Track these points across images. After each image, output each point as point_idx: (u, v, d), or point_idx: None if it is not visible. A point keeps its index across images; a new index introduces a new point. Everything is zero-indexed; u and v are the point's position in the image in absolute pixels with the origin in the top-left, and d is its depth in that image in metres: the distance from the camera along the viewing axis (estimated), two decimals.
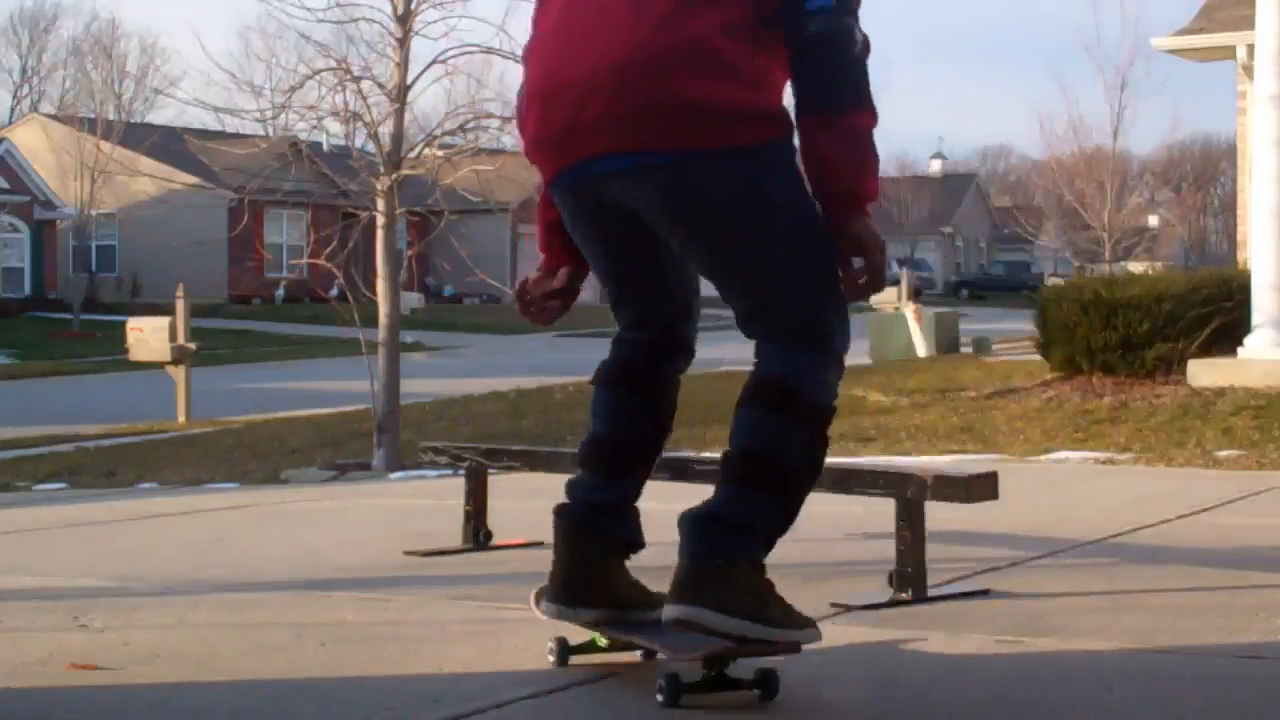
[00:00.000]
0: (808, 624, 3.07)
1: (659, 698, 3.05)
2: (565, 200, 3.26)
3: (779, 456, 3.03)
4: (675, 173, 3.02)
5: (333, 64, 11.43)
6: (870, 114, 3.08)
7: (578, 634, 3.42)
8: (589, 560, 3.32)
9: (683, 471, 5.09)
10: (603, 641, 3.42)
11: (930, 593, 4.22)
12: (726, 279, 3.12)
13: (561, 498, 3.40)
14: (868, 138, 3.08)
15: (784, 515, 3.07)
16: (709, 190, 3.02)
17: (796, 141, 3.10)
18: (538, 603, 3.40)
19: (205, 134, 24.85)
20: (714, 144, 2.99)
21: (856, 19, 3.07)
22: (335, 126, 12.23)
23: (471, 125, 11.57)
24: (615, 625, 3.34)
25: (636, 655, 3.40)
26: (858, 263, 3.10)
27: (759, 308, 3.10)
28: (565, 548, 3.34)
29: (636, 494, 3.40)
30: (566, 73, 3.09)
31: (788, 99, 3.15)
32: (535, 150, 3.22)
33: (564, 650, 3.43)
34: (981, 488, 4.25)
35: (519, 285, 3.50)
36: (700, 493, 3.17)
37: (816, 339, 3.08)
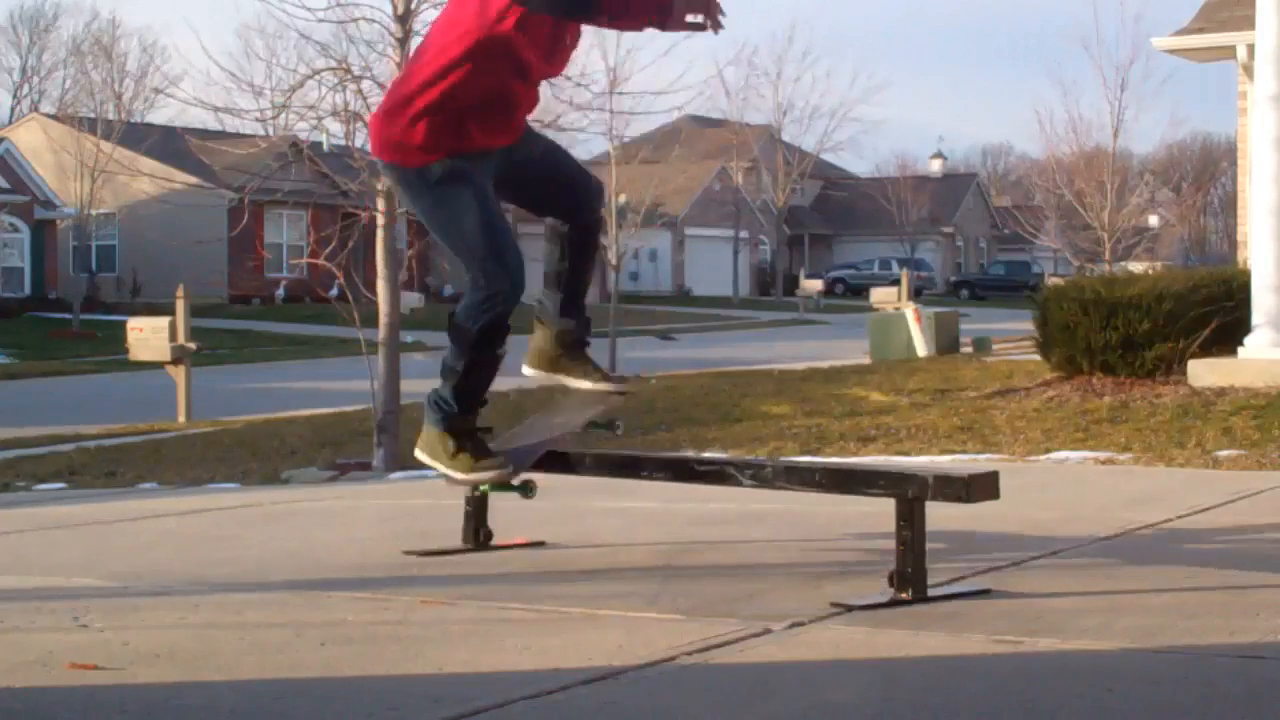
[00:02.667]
0: (473, 468, 4.89)
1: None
2: None
3: (450, 361, 4.90)
4: (392, 175, 5.03)
5: (333, 64, 11.44)
6: None
7: None
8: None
9: (683, 471, 5.11)
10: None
11: (930, 593, 4.22)
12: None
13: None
14: None
15: (454, 394, 4.91)
16: (403, 190, 4.98)
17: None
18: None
19: (205, 134, 24.79)
20: (395, 162, 4.84)
21: None
22: (335, 126, 12.26)
23: None
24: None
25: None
26: None
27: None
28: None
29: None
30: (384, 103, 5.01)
31: None
32: None
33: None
34: (982, 488, 4.25)
35: None
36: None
37: (476, 287, 4.79)
